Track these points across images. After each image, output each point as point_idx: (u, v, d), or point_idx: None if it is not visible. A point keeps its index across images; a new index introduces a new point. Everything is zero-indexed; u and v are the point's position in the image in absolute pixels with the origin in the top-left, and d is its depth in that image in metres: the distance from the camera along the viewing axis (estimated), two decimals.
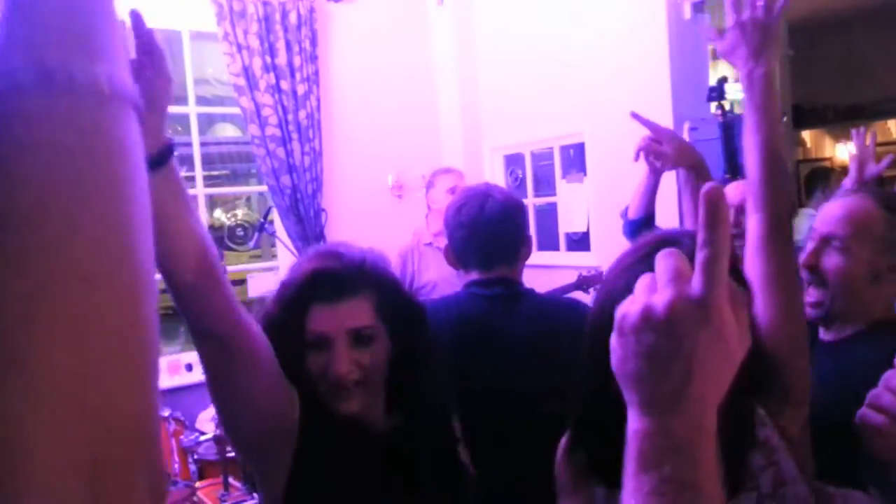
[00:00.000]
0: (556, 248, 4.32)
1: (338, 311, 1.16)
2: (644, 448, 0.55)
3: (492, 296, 1.74)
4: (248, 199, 6.23)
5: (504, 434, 1.55)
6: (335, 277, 1.18)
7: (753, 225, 1.12)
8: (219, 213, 5.95)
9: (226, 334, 1.01)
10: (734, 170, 2.92)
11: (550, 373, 1.56)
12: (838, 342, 1.49)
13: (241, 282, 4.19)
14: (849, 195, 1.54)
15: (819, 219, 1.53)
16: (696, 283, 0.55)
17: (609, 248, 3.91)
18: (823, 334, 1.53)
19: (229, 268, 3.98)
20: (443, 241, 3.47)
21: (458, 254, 1.83)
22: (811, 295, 1.49)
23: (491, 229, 1.75)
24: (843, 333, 1.48)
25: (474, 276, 1.78)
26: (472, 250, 1.78)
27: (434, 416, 1.26)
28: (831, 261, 1.45)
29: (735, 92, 3.24)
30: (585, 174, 4.09)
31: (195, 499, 2.72)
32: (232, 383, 1.06)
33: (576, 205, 4.17)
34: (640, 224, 2.33)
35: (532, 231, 4.54)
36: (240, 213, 5.65)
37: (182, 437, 2.71)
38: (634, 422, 0.57)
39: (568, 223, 4.27)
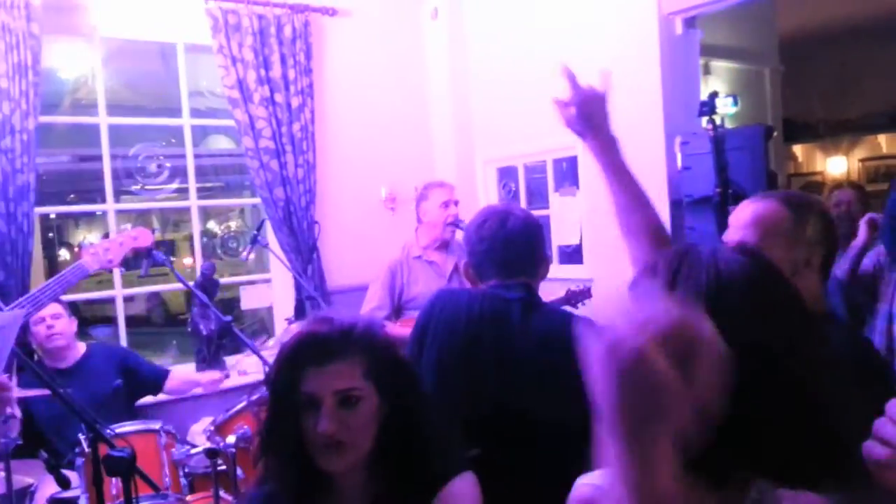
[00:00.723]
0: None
1: (326, 374, 1.23)
2: None
3: (510, 298, 1.80)
4: (242, 211, 6.23)
5: (512, 441, 1.57)
6: (324, 341, 1.26)
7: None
8: (212, 225, 5.94)
9: None
10: (725, 183, 2.94)
11: (559, 383, 1.59)
12: None
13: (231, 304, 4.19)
14: (754, 199, 1.61)
15: (730, 228, 1.60)
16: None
17: (601, 261, 3.93)
18: None
19: (222, 280, 3.98)
20: (432, 254, 3.50)
21: (478, 267, 1.89)
22: None
23: (511, 244, 1.83)
24: None
25: (493, 283, 1.85)
26: (492, 262, 1.85)
27: (423, 483, 1.27)
28: None
29: (726, 107, 3.27)
30: (578, 187, 4.11)
31: None
32: None
33: (568, 218, 4.19)
34: None
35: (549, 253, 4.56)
36: (233, 224, 5.64)
37: (173, 449, 2.69)
38: None
39: (561, 236, 4.29)
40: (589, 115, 1.62)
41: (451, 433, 1.37)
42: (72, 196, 6.82)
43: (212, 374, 3.57)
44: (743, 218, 1.58)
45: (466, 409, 1.67)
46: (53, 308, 3.12)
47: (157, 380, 3.41)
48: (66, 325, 3.20)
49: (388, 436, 1.26)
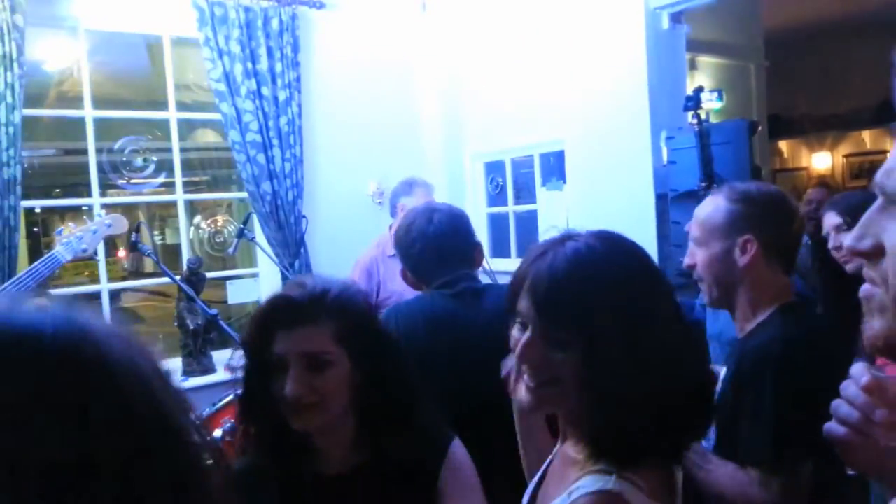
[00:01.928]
0: None
1: (294, 337, 1.24)
2: None
3: (456, 293, 1.85)
4: (230, 205, 6.21)
5: (482, 422, 1.58)
6: (294, 305, 1.27)
7: None
8: (198, 220, 5.91)
9: None
10: (710, 178, 2.97)
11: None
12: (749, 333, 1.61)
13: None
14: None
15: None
16: None
17: None
18: (738, 333, 1.65)
19: (209, 274, 3.97)
20: None
21: (417, 269, 1.94)
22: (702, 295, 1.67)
23: (442, 238, 1.88)
24: (754, 324, 1.60)
25: (437, 282, 1.89)
26: (430, 260, 1.89)
27: (410, 442, 1.29)
28: (696, 258, 1.63)
29: (711, 102, 3.29)
30: (565, 181, 4.13)
31: None
32: None
33: (555, 212, 4.21)
34: None
35: (511, 238, 4.59)
36: (220, 219, 5.62)
37: None
38: None
39: (548, 231, 4.29)
40: None
41: (435, 404, 1.38)
42: (57, 190, 6.77)
43: None
44: (694, 215, 1.67)
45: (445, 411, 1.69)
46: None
47: None
48: None
49: (365, 402, 1.27)
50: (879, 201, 0.64)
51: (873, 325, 0.64)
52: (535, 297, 1.00)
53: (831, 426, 0.85)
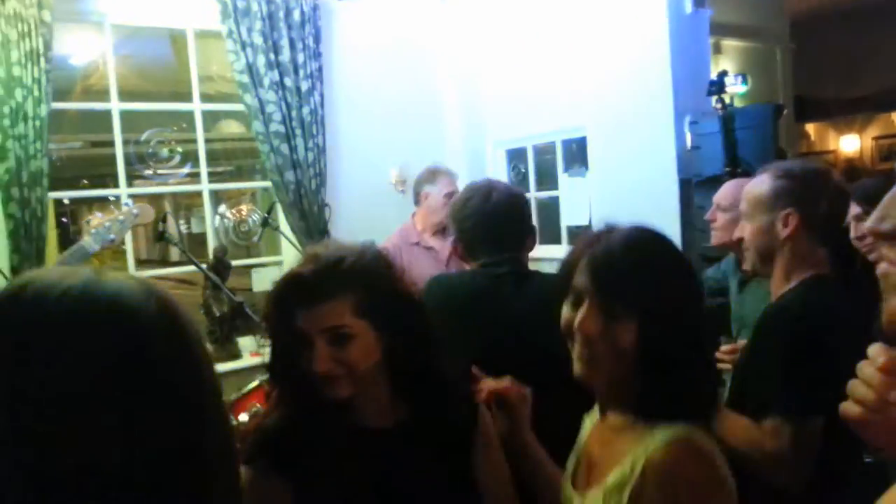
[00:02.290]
0: (558, 241, 4.35)
1: (313, 314, 1.23)
2: None
3: (501, 273, 1.83)
4: (254, 195, 6.27)
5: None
6: (308, 282, 1.24)
7: None
8: (223, 209, 5.99)
9: None
10: (734, 162, 2.94)
11: (557, 346, 1.61)
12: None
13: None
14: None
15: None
16: None
17: None
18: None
19: (234, 262, 4.02)
20: (430, 240, 3.45)
21: (467, 244, 1.92)
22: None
23: (497, 218, 1.86)
24: (785, 289, 1.71)
25: (483, 260, 1.88)
26: (481, 238, 1.88)
27: (444, 400, 1.32)
28: (744, 231, 1.78)
29: (735, 86, 3.26)
30: (587, 168, 4.11)
31: None
32: None
33: (578, 198, 4.20)
34: None
35: (535, 224, 4.57)
36: (245, 208, 5.68)
37: None
38: None
39: (570, 217, 4.29)
40: None
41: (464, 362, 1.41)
42: (84, 182, 6.88)
43: None
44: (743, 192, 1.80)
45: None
46: None
47: None
48: None
49: (395, 363, 1.28)
50: None
51: (891, 303, 0.64)
52: (595, 274, 1.13)
53: (847, 406, 0.86)
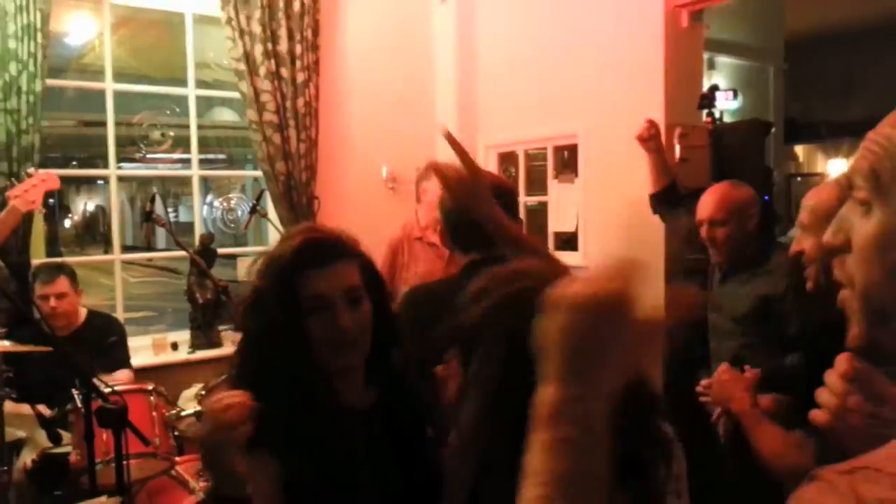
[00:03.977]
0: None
1: (333, 273, 1.23)
2: (552, 412, 0.63)
3: (473, 273, 1.79)
4: (243, 187, 6.27)
5: None
6: (326, 243, 1.26)
7: None
8: (211, 198, 5.98)
9: None
10: (720, 176, 2.98)
11: None
12: None
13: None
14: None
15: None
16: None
17: (597, 249, 3.97)
18: None
19: (221, 250, 4.02)
20: (432, 236, 3.49)
21: (452, 236, 1.88)
22: None
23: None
24: None
25: (472, 256, 1.84)
26: (464, 232, 1.83)
27: (406, 387, 1.33)
28: (804, 244, 1.76)
29: (726, 101, 3.30)
30: (577, 175, 4.14)
31: (174, 472, 2.75)
32: None
33: (566, 205, 4.22)
34: (661, 196, 2.93)
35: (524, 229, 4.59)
36: (234, 197, 5.68)
37: (164, 410, 2.74)
38: (548, 391, 0.64)
39: (558, 223, 4.32)
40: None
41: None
42: (74, 163, 6.85)
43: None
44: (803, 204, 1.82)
45: None
46: (60, 286, 3.14)
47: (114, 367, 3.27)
48: (70, 302, 3.19)
49: (375, 340, 1.29)
50: (851, 200, 0.66)
51: (852, 329, 0.66)
52: None
53: (815, 412, 0.89)
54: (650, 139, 2.91)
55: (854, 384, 0.86)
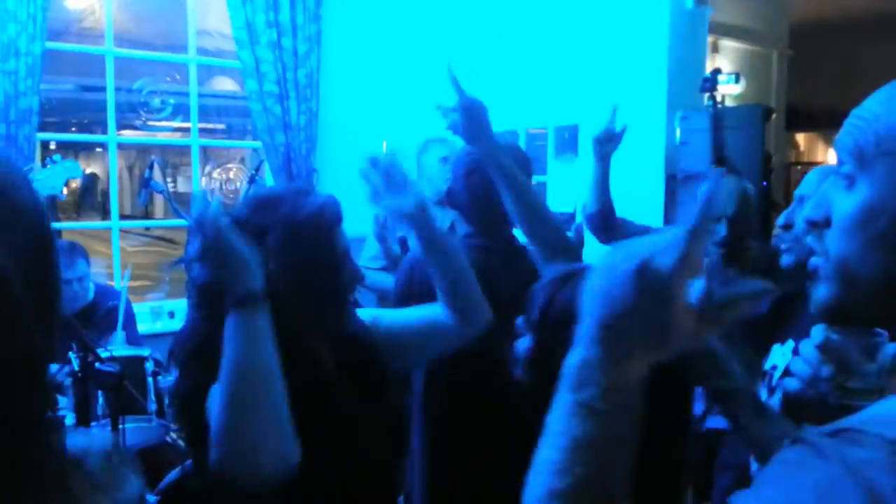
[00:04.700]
0: None
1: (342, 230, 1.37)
2: (575, 373, 0.62)
3: (488, 247, 1.78)
4: (242, 159, 6.25)
5: (491, 389, 1.60)
6: (335, 202, 1.39)
7: None
8: (209, 168, 5.97)
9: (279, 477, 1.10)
10: (720, 160, 2.98)
11: None
12: None
13: None
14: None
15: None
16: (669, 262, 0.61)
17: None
18: None
19: None
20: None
21: (459, 204, 1.86)
22: None
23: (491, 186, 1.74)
24: None
25: (473, 227, 1.84)
26: (475, 202, 1.83)
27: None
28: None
29: (728, 85, 3.29)
30: (577, 155, 4.14)
31: (168, 438, 2.78)
32: None
33: (565, 185, 4.23)
34: (597, 217, 2.23)
35: None
36: (233, 168, 5.67)
37: (160, 377, 2.76)
38: (575, 352, 0.63)
39: (556, 203, 4.32)
40: (471, 122, 1.65)
41: None
42: (73, 129, 6.81)
43: None
44: None
45: (469, 375, 1.67)
46: (81, 269, 3.10)
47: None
48: (87, 283, 3.18)
49: None
50: (834, 176, 0.67)
51: (818, 293, 0.67)
52: None
53: (788, 380, 0.91)
54: (609, 141, 2.24)
55: (826, 355, 0.88)
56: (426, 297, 1.65)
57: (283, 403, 1.07)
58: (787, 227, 1.57)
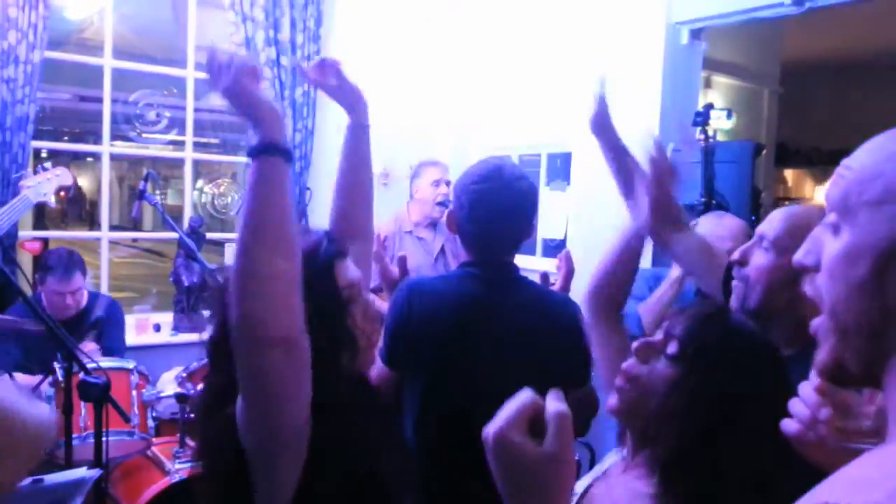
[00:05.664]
0: (532, 252, 4.40)
1: (350, 265, 1.27)
2: None
3: (489, 278, 1.73)
4: (234, 174, 6.25)
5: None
6: (339, 238, 1.30)
7: None
8: (201, 184, 5.96)
9: (296, 336, 1.03)
10: (709, 194, 3.02)
11: (540, 358, 1.61)
12: None
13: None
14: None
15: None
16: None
17: (584, 257, 3.99)
18: None
19: (210, 235, 4.01)
20: (422, 231, 3.54)
21: (468, 233, 1.77)
22: None
23: (510, 217, 1.73)
24: None
25: (472, 256, 1.77)
26: (492, 235, 1.75)
27: None
28: None
29: (720, 120, 3.34)
30: (569, 183, 4.18)
31: (149, 453, 2.75)
32: (293, 383, 1.06)
33: (557, 212, 4.26)
34: None
35: None
36: (224, 182, 5.67)
37: (144, 390, 2.74)
38: None
39: (547, 230, 4.35)
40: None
41: None
42: (66, 138, 6.80)
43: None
44: None
45: (465, 408, 1.62)
46: (77, 283, 3.09)
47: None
48: (81, 294, 3.17)
49: None
50: (822, 224, 0.69)
51: (819, 353, 0.68)
52: None
53: (787, 422, 0.92)
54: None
55: (826, 397, 0.89)
56: (426, 325, 1.66)
57: (297, 265, 1.03)
58: (742, 263, 1.48)
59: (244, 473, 1.10)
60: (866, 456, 0.59)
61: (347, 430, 1.16)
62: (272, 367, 1.01)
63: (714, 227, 2.36)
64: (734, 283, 1.51)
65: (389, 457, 1.26)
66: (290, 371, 1.03)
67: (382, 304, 3.23)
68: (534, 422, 0.72)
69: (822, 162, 8.20)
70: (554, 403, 0.72)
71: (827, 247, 0.66)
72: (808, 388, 0.90)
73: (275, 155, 1.02)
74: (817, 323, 0.68)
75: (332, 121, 4.36)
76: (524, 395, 0.73)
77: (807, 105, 6.54)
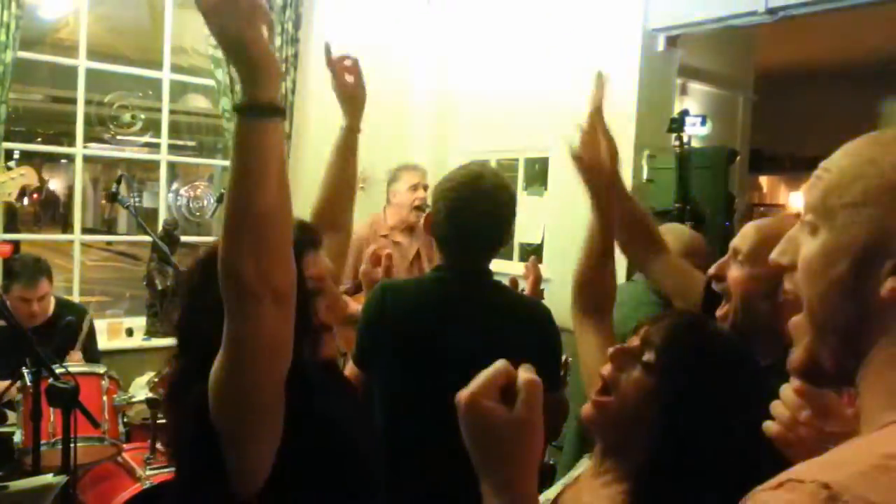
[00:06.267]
0: (510, 257, 4.41)
1: (321, 258, 1.27)
2: None
3: (462, 282, 1.73)
4: (211, 176, 6.20)
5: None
6: (312, 227, 1.30)
7: None
8: (177, 186, 5.90)
9: (286, 290, 1.02)
10: (684, 200, 3.04)
11: (510, 362, 1.59)
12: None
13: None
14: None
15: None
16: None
17: (560, 261, 4.01)
18: None
19: (185, 238, 3.98)
20: (398, 235, 3.53)
21: (444, 236, 1.76)
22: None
23: (486, 221, 1.72)
24: None
25: (447, 260, 1.77)
26: (457, 237, 1.74)
27: None
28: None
29: (695, 127, 3.37)
30: (546, 189, 4.20)
31: (120, 459, 2.71)
32: (279, 337, 1.04)
33: (534, 217, 4.27)
34: None
35: None
36: (201, 185, 5.62)
37: (115, 395, 2.70)
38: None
39: (524, 234, 4.36)
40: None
41: None
42: (39, 139, 6.70)
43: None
44: None
45: (435, 409, 1.62)
46: (43, 289, 3.04)
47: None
48: (48, 301, 3.12)
49: None
50: (799, 224, 0.70)
51: (795, 351, 0.69)
52: None
53: (768, 424, 0.93)
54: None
55: (806, 399, 0.90)
56: (399, 325, 1.66)
57: (289, 227, 1.03)
58: (719, 278, 1.47)
59: (217, 452, 1.08)
60: (841, 445, 0.60)
61: (319, 405, 1.16)
62: (262, 317, 0.99)
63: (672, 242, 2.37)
64: (720, 309, 1.47)
65: (362, 431, 1.27)
66: (277, 324, 1.02)
67: (356, 305, 3.22)
68: (505, 390, 0.73)
69: (795, 168, 8.30)
70: (526, 373, 0.73)
71: (804, 246, 0.67)
72: (789, 390, 0.91)
73: (275, 117, 0.98)
74: (795, 321, 0.69)
75: (309, 126, 4.34)
76: (497, 364, 0.74)
77: (781, 112, 6.62)
